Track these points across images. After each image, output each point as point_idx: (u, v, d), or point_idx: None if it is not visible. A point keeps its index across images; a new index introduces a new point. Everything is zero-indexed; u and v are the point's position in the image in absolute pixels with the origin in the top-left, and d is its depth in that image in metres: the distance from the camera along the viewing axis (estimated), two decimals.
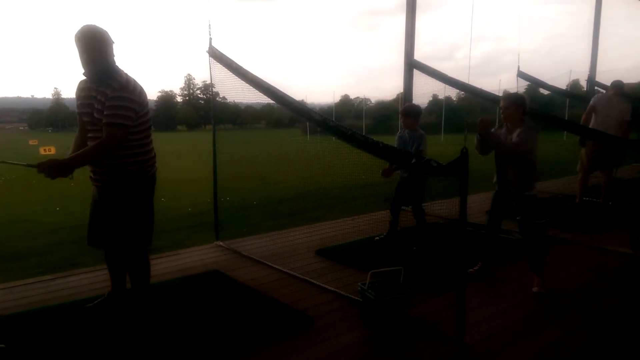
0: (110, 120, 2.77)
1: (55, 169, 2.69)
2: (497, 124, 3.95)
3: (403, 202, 5.00)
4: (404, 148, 4.55)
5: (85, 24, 2.84)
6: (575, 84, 22.44)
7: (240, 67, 4.22)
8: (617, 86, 6.43)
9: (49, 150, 25.40)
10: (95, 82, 2.86)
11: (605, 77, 8.54)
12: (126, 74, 2.91)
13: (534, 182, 3.73)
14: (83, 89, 2.98)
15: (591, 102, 6.29)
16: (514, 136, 3.66)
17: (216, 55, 4.46)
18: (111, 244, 3.11)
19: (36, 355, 2.70)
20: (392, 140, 4.64)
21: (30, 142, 34.65)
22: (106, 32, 2.85)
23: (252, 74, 4.10)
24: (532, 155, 3.67)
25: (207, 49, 4.54)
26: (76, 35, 2.79)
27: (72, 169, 2.76)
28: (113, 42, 2.87)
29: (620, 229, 5.40)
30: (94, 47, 2.79)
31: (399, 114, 4.78)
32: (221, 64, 4.41)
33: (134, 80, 2.92)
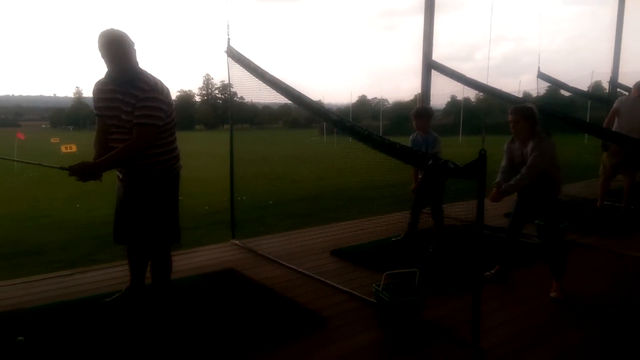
0: (142, 121, 2.81)
1: (87, 172, 2.78)
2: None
3: (424, 204, 4.97)
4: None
5: (105, 28, 2.85)
6: (597, 86, 22.04)
7: (258, 67, 4.24)
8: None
9: (70, 148, 25.83)
10: (123, 86, 2.89)
11: (628, 78, 8.36)
12: (152, 75, 2.95)
13: (559, 187, 3.69)
14: (105, 91, 2.99)
15: (615, 105, 6.15)
16: (529, 149, 3.61)
17: (234, 56, 4.49)
18: (137, 241, 3.15)
19: (54, 349, 2.75)
20: (408, 142, 4.62)
21: (52, 140, 35.25)
22: (127, 34, 2.88)
23: (269, 74, 4.12)
24: (553, 167, 3.63)
25: (226, 49, 4.57)
26: (99, 42, 2.81)
27: (103, 172, 2.84)
28: (134, 44, 2.91)
29: None
30: (119, 52, 2.82)
31: (412, 116, 4.72)
32: (239, 64, 4.44)
33: (161, 81, 2.96)
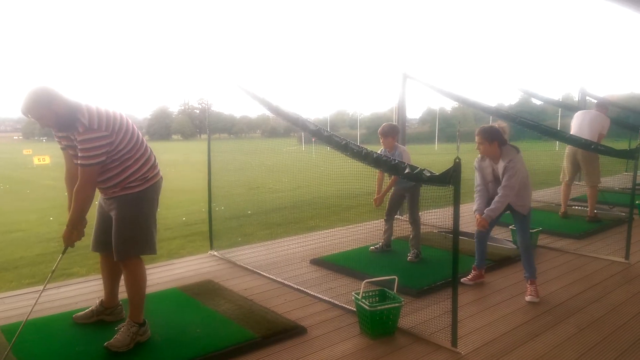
0: (81, 162, 2.79)
1: (70, 238, 2.88)
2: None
3: (396, 211, 5.03)
4: None
5: (21, 96, 2.77)
6: (568, 96, 22.70)
7: (236, 79, 4.26)
8: (601, 105, 6.58)
9: (43, 160, 25.30)
10: (67, 130, 2.85)
11: (597, 88, 8.67)
12: (88, 109, 2.79)
13: (529, 199, 3.84)
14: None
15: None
16: (500, 168, 3.74)
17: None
18: (110, 250, 3.09)
19: None
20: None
21: (25, 152, 34.50)
22: (42, 88, 2.76)
23: (248, 87, 4.14)
24: (524, 186, 3.76)
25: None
26: (22, 110, 2.76)
27: (78, 224, 2.88)
28: (54, 90, 2.78)
29: (613, 237, 5.46)
30: (41, 110, 2.75)
31: (378, 134, 4.73)
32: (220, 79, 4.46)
33: (99, 112, 2.81)
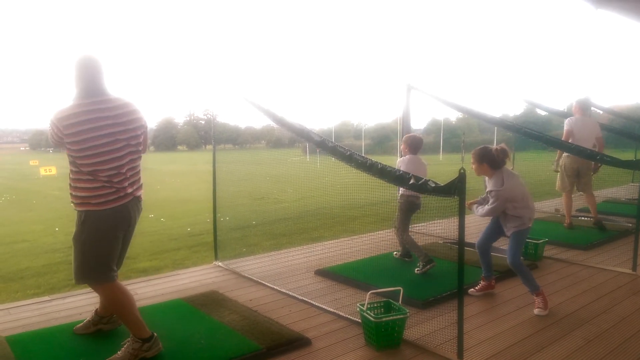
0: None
1: None
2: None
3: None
4: None
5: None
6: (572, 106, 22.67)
7: (241, 91, 4.29)
8: (584, 106, 6.58)
9: (49, 171, 25.48)
10: None
11: (602, 98, 8.64)
12: (69, 107, 2.77)
13: (522, 220, 3.76)
14: None
15: (566, 127, 6.42)
16: (487, 187, 3.79)
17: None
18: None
19: None
20: (390, 160, 4.68)
21: (31, 163, 34.76)
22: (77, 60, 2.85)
23: (252, 98, 4.18)
24: (515, 207, 3.71)
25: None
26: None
27: None
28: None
29: (620, 248, 5.42)
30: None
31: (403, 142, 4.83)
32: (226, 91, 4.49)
33: (75, 106, 2.75)
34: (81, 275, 2.86)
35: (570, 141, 6.28)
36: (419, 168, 4.54)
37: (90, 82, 2.82)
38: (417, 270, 4.54)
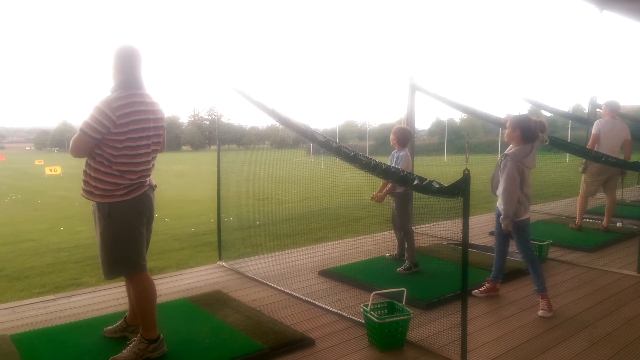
0: (81, 126, 2.70)
1: None
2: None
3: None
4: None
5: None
6: (577, 107, 22.59)
7: (245, 91, 4.30)
8: (614, 108, 6.48)
9: (54, 170, 25.58)
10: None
11: (608, 99, 8.57)
12: (124, 96, 2.73)
13: (523, 208, 3.74)
14: None
15: (594, 130, 6.30)
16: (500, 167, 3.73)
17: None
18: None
19: None
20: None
21: (37, 162, 34.91)
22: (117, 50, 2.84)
23: (257, 98, 4.18)
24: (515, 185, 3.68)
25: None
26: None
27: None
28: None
29: (625, 250, 5.39)
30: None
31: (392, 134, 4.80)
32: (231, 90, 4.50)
33: (128, 95, 2.72)
34: (115, 269, 2.88)
35: (596, 145, 6.24)
36: (410, 164, 4.54)
37: (138, 73, 2.82)
38: (400, 270, 4.53)
